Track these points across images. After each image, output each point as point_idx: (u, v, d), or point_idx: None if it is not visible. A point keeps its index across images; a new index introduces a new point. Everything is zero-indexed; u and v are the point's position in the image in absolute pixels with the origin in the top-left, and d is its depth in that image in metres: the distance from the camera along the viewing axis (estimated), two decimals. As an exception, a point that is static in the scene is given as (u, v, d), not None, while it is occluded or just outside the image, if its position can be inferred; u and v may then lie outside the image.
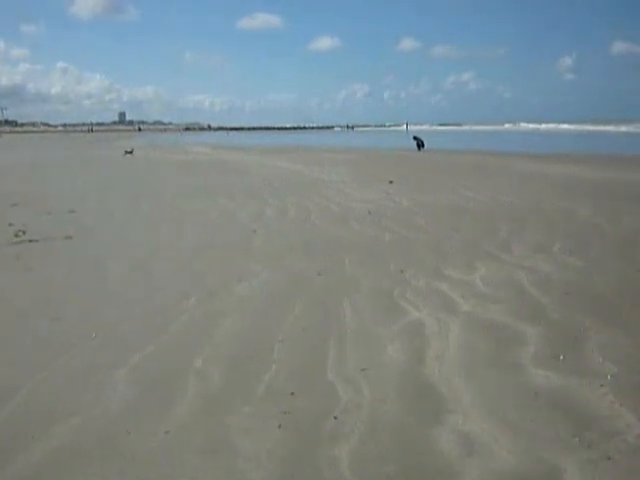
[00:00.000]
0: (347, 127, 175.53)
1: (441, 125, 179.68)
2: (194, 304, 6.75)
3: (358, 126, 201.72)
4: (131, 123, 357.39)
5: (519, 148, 45.85)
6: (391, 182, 19.53)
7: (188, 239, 10.29)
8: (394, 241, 10.12)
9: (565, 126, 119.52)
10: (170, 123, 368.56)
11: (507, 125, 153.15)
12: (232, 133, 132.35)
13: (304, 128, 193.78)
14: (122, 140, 75.64)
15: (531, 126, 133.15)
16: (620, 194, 15.75)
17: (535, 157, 33.04)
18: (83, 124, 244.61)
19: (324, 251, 9.35)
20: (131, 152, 38.46)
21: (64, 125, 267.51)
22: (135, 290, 7.48)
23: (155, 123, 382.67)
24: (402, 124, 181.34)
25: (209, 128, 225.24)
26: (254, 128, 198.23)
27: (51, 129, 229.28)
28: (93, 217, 13.10)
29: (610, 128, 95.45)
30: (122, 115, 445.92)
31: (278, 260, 8.80)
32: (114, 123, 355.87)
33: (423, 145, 41.63)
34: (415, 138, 42.16)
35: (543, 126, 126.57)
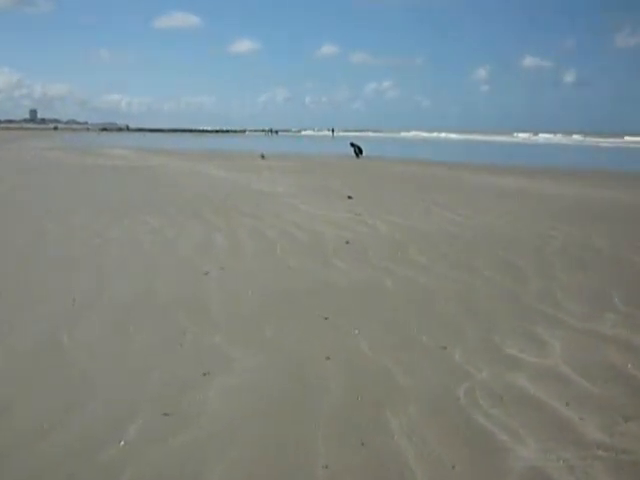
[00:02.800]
0: (270, 131, 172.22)
1: (361, 131, 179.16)
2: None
3: (281, 130, 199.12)
4: (43, 121, 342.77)
5: (449, 157, 44.33)
6: (350, 197, 16.98)
7: (110, 292, 7.30)
8: (402, 290, 7.52)
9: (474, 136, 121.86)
10: (85, 122, 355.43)
11: (424, 133, 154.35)
12: (152, 135, 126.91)
13: (226, 132, 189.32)
14: (36, 140, 69.99)
15: (451, 135, 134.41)
16: (598, 212, 13.85)
17: (472, 168, 31.24)
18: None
19: (316, 312, 6.62)
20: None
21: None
22: None
23: (69, 122, 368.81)
24: (325, 129, 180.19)
25: (127, 129, 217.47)
26: (174, 130, 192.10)
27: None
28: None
29: (522, 137, 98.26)
30: (33, 112, 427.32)
31: (254, 333, 6.01)
32: (25, 121, 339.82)
33: (361, 152, 39.50)
34: (352, 145, 40.02)
35: (461, 136, 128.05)
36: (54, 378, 4.97)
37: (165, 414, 4.35)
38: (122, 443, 3.97)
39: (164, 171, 26.46)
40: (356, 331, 6.06)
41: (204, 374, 5.02)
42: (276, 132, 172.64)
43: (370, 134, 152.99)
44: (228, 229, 11.56)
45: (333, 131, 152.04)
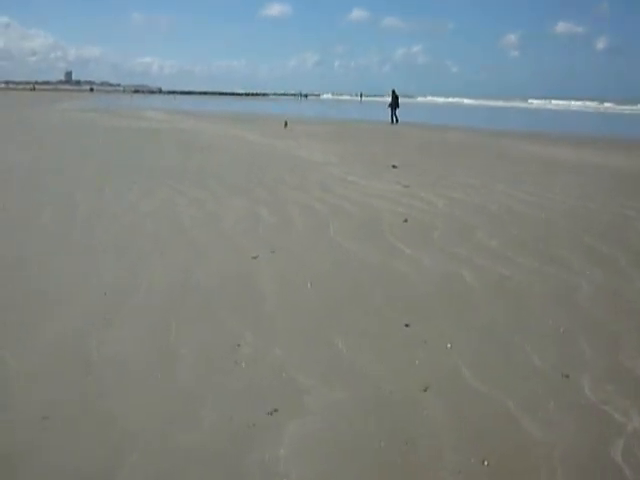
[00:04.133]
0: (300, 95, 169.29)
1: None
2: None
3: (310, 94, 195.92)
4: (78, 83, 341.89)
5: (487, 124, 42.12)
6: (395, 167, 15.46)
7: (145, 285, 6.03)
8: (486, 286, 6.22)
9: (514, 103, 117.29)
10: (118, 85, 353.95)
11: (452, 99, 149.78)
12: (183, 97, 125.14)
13: (256, 95, 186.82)
14: (72, 101, 68.88)
15: (479, 102, 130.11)
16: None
17: (511, 136, 29.28)
18: (27, 82, 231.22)
19: (393, 316, 5.34)
20: None
21: (6, 82, 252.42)
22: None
23: (103, 84, 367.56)
24: (354, 94, 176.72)
25: (160, 92, 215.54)
26: (205, 93, 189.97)
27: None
28: None
29: (560, 104, 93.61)
30: (69, 74, 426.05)
31: (324, 348, 4.73)
32: (60, 82, 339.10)
33: (398, 105, 36.99)
34: (391, 106, 37.32)
35: (491, 102, 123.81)
36: (73, 422, 3.70)
37: (226, 484, 3.05)
38: None
39: (198, 135, 25.09)
40: (449, 345, 4.73)
41: (269, 413, 3.71)
42: (305, 96, 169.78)
43: (412, 100, 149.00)
44: (274, 203, 10.22)
45: (362, 96, 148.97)
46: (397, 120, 36.83)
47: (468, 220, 9.24)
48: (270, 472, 3.18)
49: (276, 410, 3.75)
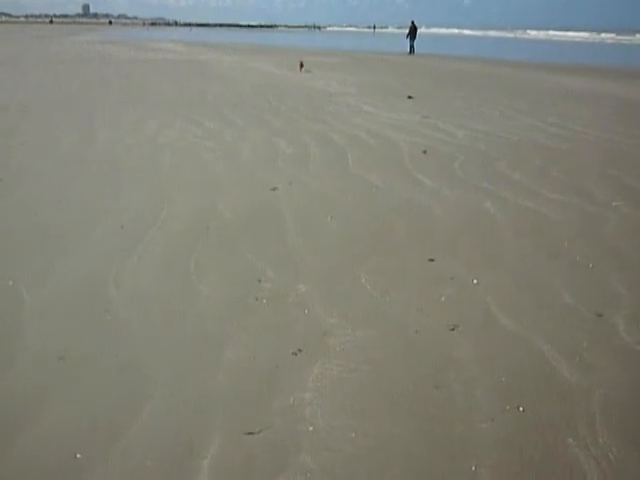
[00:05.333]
0: (314, 27, 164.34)
1: (400, 28, 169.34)
2: None
3: (324, 26, 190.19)
4: (95, 16, 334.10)
5: (496, 55, 40.45)
6: (410, 97, 14.80)
7: (164, 216, 5.73)
8: (512, 220, 5.85)
9: (532, 32, 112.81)
10: (135, 17, 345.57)
11: (452, 30, 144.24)
12: (198, 30, 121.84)
13: (270, 27, 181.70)
14: (91, 34, 67.15)
15: (479, 33, 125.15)
16: None
17: (526, 66, 28.07)
18: (46, 15, 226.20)
19: (417, 251, 5.01)
20: None
21: (26, 16, 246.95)
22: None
23: (119, 17, 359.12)
24: (366, 26, 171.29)
25: (176, 24, 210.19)
26: (220, 25, 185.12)
27: (13, 19, 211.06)
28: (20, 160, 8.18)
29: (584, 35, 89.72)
30: (86, 7, 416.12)
31: (348, 284, 4.43)
32: (78, 15, 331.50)
33: (415, 34, 35.54)
34: (409, 36, 35.74)
35: (502, 33, 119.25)
36: (90, 356, 3.44)
37: (248, 432, 2.79)
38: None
39: (215, 66, 24.28)
40: (475, 281, 4.39)
41: (294, 353, 3.42)
42: (319, 28, 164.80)
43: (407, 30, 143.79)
44: (291, 133, 9.76)
45: (374, 28, 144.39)
46: (413, 51, 35.50)
47: (489, 151, 8.76)
48: (296, 417, 2.92)
49: (300, 350, 3.47)
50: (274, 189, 6.59)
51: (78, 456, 2.67)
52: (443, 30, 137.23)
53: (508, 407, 2.98)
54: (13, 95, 13.94)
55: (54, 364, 3.33)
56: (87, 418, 2.92)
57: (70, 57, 27.95)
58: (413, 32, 34.99)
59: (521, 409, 2.97)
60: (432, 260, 4.77)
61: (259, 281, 4.35)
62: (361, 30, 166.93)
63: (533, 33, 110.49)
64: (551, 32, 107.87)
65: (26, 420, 2.89)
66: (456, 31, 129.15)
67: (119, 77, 19.01)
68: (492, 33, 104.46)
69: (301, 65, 22.05)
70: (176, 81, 17.98)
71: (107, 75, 19.38)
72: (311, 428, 2.85)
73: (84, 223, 5.51)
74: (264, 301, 4.06)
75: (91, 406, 3.00)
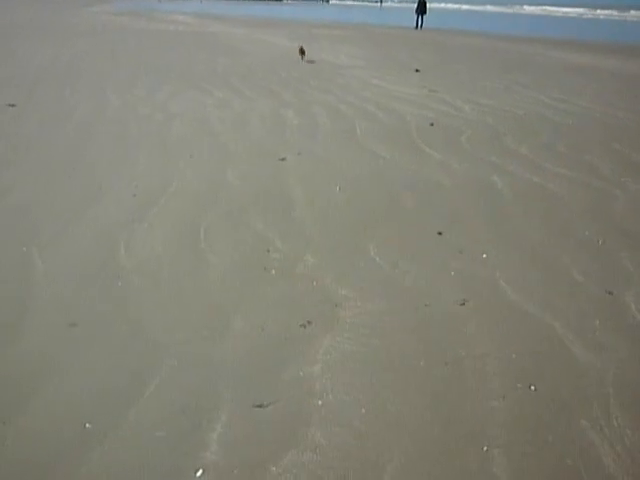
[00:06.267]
0: (321, 0, 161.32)
1: (410, 2, 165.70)
2: None
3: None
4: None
5: (499, 30, 39.52)
6: (417, 71, 14.43)
7: (175, 184, 5.50)
8: (519, 194, 5.68)
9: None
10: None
11: (451, 5, 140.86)
12: (209, 2, 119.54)
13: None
14: (104, 4, 66.06)
15: (478, 7, 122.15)
16: None
17: (528, 41, 27.44)
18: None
19: (426, 224, 4.83)
20: None
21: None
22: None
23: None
24: (374, 0, 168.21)
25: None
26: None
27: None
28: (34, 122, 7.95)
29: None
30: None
31: (356, 254, 4.28)
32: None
33: (422, 23, 34.72)
34: (417, 11, 34.76)
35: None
36: (101, 322, 3.30)
37: (257, 405, 2.65)
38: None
39: (224, 38, 23.78)
40: (484, 255, 4.21)
41: (302, 325, 3.27)
42: (327, 1, 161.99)
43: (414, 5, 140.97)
44: (299, 104, 9.50)
45: (381, 2, 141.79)
46: (421, 26, 34.67)
47: (496, 125, 8.50)
48: (305, 391, 2.78)
49: (309, 322, 3.31)
50: (283, 159, 6.39)
51: (88, 426, 2.55)
52: (442, 5, 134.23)
53: (520, 385, 2.83)
54: (29, 66, 13.63)
55: (65, 331, 3.20)
56: (97, 387, 2.79)
57: (84, 28, 27.43)
58: (422, 7, 34.10)
59: (533, 388, 2.82)
60: (440, 233, 4.59)
61: (268, 251, 4.18)
62: (366, 4, 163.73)
63: (530, 8, 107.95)
64: (547, 7, 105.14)
65: (36, 388, 2.76)
66: (455, 6, 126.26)
67: (131, 48, 18.62)
68: (490, 8, 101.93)
69: (301, 52, 15.78)
70: (187, 53, 17.60)
71: (120, 46, 18.98)
72: (320, 402, 2.71)
73: (96, 192, 5.33)
74: (273, 272, 3.90)
75: (101, 375, 2.87)
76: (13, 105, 8.72)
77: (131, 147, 6.77)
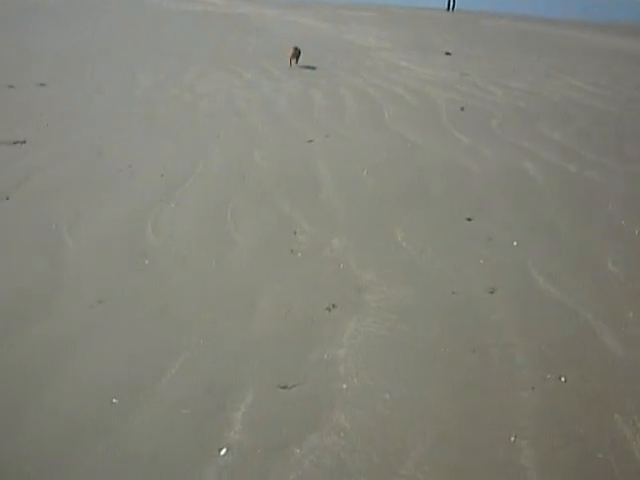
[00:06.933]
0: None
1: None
2: None
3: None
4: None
5: (530, 12, 38.58)
6: (448, 54, 14.20)
7: (202, 164, 5.58)
8: (552, 183, 5.57)
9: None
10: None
11: None
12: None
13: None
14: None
15: None
16: None
17: (566, 24, 26.83)
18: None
19: (455, 209, 4.78)
20: None
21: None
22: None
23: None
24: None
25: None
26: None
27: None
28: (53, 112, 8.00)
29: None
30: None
31: (383, 238, 4.26)
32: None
33: (455, 4, 34.08)
34: None
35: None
36: (132, 302, 3.32)
37: (282, 387, 2.65)
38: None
39: (254, 19, 23.66)
40: (515, 243, 4.13)
41: (328, 308, 3.25)
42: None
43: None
44: (327, 86, 9.42)
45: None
46: (454, 7, 34.10)
47: (529, 110, 8.35)
48: (330, 374, 2.77)
49: (334, 306, 3.29)
50: (310, 141, 6.35)
51: (114, 401, 2.57)
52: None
53: (549, 376, 2.79)
54: (58, 45, 13.73)
55: (93, 307, 3.22)
56: (124, 363, 2.81)
57: (112, 7, 27.50)
58: None
59: (563, 379, 2.77)
60: (470, 220, 4.53)
61: (294, 233, 4.16)
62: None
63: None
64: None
65: (64, 363, 2.79)
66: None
67: (159, 28, 18.63)
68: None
69: (294, 55, 11.27)
70: (215, 33, 17.56)
71: (147, 26, 19.01)
72: (345, 386, 2.69)
73: (125, 172, 5.35)
74: (299, 254, 3.88)
75: (128, 351, 2.89)
76: (43, 84, 8.79)
77: (159, 127, 6.78)
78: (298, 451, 2.34)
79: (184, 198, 4.72)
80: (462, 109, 8.27)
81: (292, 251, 3.90)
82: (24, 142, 5.99)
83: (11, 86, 8.54)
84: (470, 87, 9.93)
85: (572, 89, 10.07)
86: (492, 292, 3.48)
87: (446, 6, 33.72)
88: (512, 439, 2.41)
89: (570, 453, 2.35)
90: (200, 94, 8.60)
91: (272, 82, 9.63)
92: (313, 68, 11.18)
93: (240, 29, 18.74)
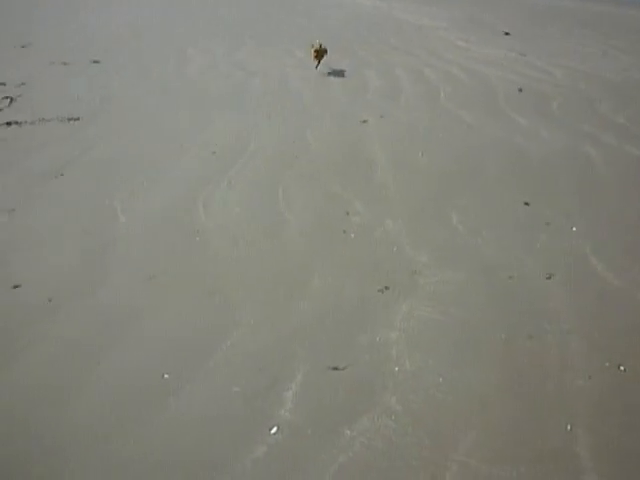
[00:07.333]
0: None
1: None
2: None
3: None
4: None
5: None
6: (507, 34, 13.79)
7: (254, 143, 5.58)
8: (618, 169, 5.34)
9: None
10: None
11: None
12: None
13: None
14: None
15: None
16: None
17: (627, 4, 25.57)
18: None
19: (512, 193, 4.70)
20: None
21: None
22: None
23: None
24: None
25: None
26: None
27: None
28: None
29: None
30: None
31: (438, 223, 4.22)
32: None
33: None
34: None
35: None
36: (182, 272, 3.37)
37: (333, 367, 2.66)
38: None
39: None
40: (574, 228, 4.02)
41: (380, 290, 3.23)
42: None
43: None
44: (381, 66, 9.30)
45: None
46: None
47: (590, 92, 8.05)
48: (382, 356, 2.77)
49: (387, 288, 3.28)
50: (364, 121, 6.29)
51: (166, 376, 2.62)
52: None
53: (607, 364, 2.72)
54: (110, 23, 13.96)
55: (144, 283, 3.29)
56: (175, 339, 2.87)
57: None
58: None
59: (622, 368, 2.69)
60: (527, 204, 4.42)
61: (347, 214, 4.15)
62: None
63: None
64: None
65: (116, 338, 2.86)
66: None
67: (209, 6, 18.71)
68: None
69: (318, 56, 8.60)
70: (265, 12, 17.53)
71: (197, 4, 19.11)
72: (397, 369, 2.69)
73: (176, 149, 5.43)
74: (352, 235, 3.87)
75: (179, 328, 2.95)
76: (97, 62, 8.96)
77: (211, 105, 6.84)
78: (349, 432, 2.35)
79: (236, 176, 4.76)
80: (520, 90, 8.05)
81: (345, 232, 3.89)
82: (78, 119, 6.13)
83: (65, 63, 8.74)
84: (529, 68, 9.64)
85: (635, 69, 9.67)
86: (549, 278, 3.40)
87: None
88: (568, 427, 2.36)
89: (627, 443, 2.29)
90: (252, 72, 8.62)
91: (324, 62, 9.55)
92: (366, 47, 11.05)
93: (290, 7, 18.64)
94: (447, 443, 2.32)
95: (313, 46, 8.62)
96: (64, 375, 2.63)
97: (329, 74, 8.58)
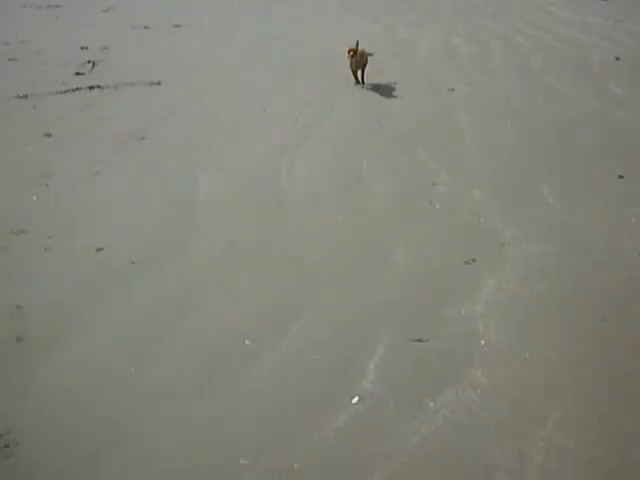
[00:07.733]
0: None
1: None
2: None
3: None
4: None
5: None
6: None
7: (344, 103, 5.56)
8: None
9: None
10: None
11: None
12: None
13: None
14: None
15: None
16: None
17: None
18: None
19: (607, 165, 4.50)
20: None
21: None
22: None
23: None
24: None
25: None
26: None
27: None
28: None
29: None
30: None
31: (528, 195, 4.12)
32: None
33: None
34: None
35: None
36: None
37: (416, 339, 2.63)
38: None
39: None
40: (673, 207, 3.78)
41: (467, 262, 3.17)
42: None
43: None
44: (468, 33, 8.99)
45: None
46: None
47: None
48: (467, 329, 2.72)
49: (474, 260, 3.21)
50: (451, 89, 6.13)
51: (247, 342, 2.66)
52: None
53: None
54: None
55: (225, 248, 3.34)
56: (257, 306, 2.91)
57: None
58: None
59: None
60: (622, 177, 4.20)
61: (433, 184, 4.07)
62: None
63: None
64: None
65: (199, 303, 2.92)
66: None
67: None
68: None
69: (357, 65, 6.23)
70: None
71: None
72: (483, 342, 2.64)
73: (260, 115, 5.46)
74: (437, 206, 3.80)
75: (259, 294, 2.98)
76: (178, 25, 9.08)
77: (294, 71, 6.82)
78: (432, 405, 2.33)
79: (319, 144, 4.74)
80: (617, 59, 7.59)
81: (430, 202, 3.83)
82: (159, 83, 6.25)
83: (147, 27, 8.90)
84: (627, 35, 9.06)
85: None
86: (643, 255, 3.23)
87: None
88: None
89: None
90: (339, 39, 8.51)
91: (411, 29, 9.33)
92: (455, 13, 10.69)
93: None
94: (534, 419, 2.27)
95: (349, 50, 6.10)
96: (145, 337, 2.71)
97: (416, 41, 8.37)
